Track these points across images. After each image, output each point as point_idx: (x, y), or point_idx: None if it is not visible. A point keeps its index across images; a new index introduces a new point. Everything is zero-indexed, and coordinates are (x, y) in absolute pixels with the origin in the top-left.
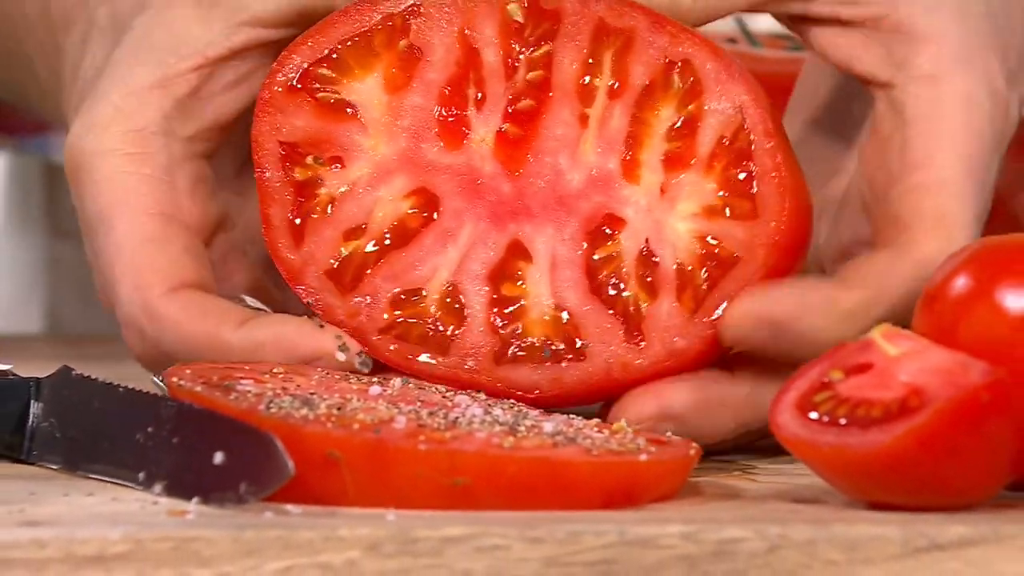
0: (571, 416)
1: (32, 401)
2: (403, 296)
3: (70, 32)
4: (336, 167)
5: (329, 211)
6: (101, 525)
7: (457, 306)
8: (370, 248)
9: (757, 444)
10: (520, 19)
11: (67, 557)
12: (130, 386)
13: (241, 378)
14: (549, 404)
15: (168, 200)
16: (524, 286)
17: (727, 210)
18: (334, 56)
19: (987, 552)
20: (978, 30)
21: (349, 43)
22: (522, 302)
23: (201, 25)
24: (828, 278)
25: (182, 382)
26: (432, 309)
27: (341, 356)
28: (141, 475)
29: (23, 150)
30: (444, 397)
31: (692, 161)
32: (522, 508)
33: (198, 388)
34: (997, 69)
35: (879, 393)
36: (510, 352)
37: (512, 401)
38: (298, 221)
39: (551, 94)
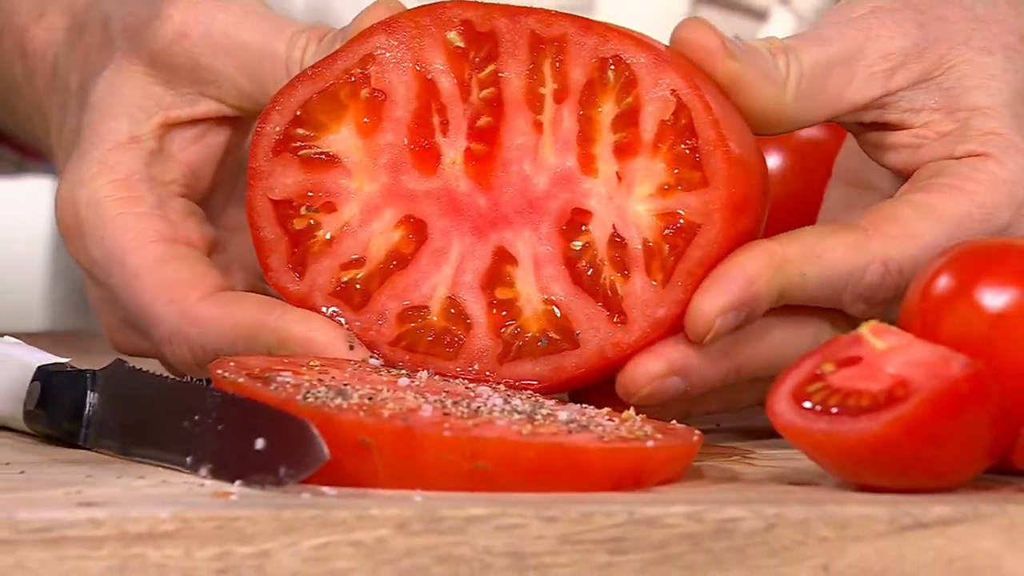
0: (584, 406)
1: (88, 392)
2: (409, 312)
3: (52, 99)
4: (329, 212)
5: (328, 247)
6: (152, 505)
7: (459, 315)
8: (371, 274)
9: (755, 429)
10: (462, 44)
11: (121, 535)
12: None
13: (280, 370)
14: (553, 391)
15: (166, 228)
16: (515, 287)
17: (679, 184)
18: (305, 116)
19: (967, 530)
20: (1019, 127)
21: (316, 102)
22: (516, 303)
23: (163, 88)
24: (763, 241)
25: (226, 374)
26: (436, 321)
27: (376, 363)
28: (188, 459)
29: (52, 175)
30: (467, 388)
31: (640, 147)
32: (538, 490)
33: (241, 379)
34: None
35: (868, 384)
36: (512, 350)
37: (529, 392)
38: (297, 261)
39: (505, 108)
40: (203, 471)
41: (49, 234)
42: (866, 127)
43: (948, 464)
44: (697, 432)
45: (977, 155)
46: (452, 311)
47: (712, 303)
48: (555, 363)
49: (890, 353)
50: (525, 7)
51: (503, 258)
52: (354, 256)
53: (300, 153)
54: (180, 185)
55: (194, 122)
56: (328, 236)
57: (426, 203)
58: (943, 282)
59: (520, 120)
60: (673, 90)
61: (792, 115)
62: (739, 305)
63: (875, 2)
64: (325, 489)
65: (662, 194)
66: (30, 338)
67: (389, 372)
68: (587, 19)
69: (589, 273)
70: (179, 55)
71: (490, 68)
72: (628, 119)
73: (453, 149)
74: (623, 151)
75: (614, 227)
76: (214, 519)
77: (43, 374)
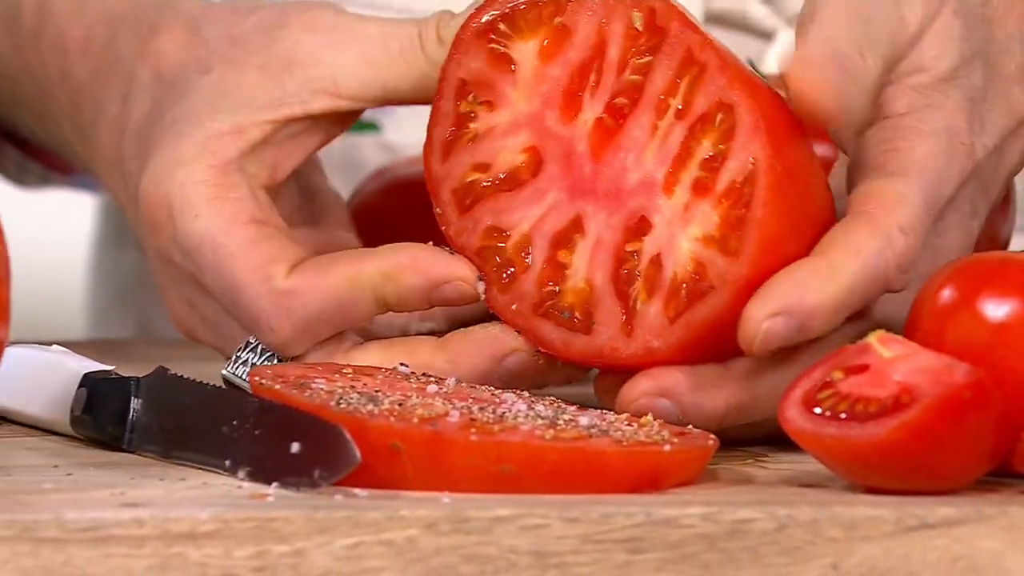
0: (604, 411)
1: (132, 397)
2: (494, 232)
3: (109, 87)
4: (487, 109)
5: (471, 143)
6: (192, 506)
7: (524, 255)
8: (486, 183)
9: (768, 436)
10: (640, 28)
11: (162, 534)
12: (218, 385)
13: (315, 378)
14: (552, 358)
15: (258, 212)
16: (573, 256)
17: (719, 243)
18: (511, 14)
19: (970, 530)
20: (958, 83)
21: (525, 7)
22: (567, 270)
23: (273, 84)
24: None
25: (263, 381)
26: (508, 250)
27: (481, 287)
28: (227, 462)
29: (75, 188)
30: (493, 395)
31: (710, 192)
32: (561, 492)
33: (277, 386)
34: (963, 118)
35: (875, 391)
36: (544, 307)
37: (552, 398)
38: (448, 144)
39: (641, 99)
40: (241, 474)
41: (91, 246)
42: None
43: (952, 467)
44: (712, 436)
45: (900, 115)
46: (522, 250)
47: (760, 309)
48: (568, 338)
49: (896, 361)
50: (696, 25)
51: (576, 226)
52: (485, 160)
53: (492, 45)
54: (264, 178)
55: (307, 118)
56: (475, 132)
57: (552, 144)
58: (947, 294)
59: (645, 117)
60: (754, 159)
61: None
62: (785, 310)
63: None
64: (357, 491)
65: (705, 243)
66: (76, 346)
67: (418, 379)
68: (729, 60)
69: (626, 277)
70: (299, 54)
71: (647, 59)
72: (715, 163)
73: (591, 110)
74: (699, 188)
75: (661, 250)
76: (252, 519)
77: (89, 381)
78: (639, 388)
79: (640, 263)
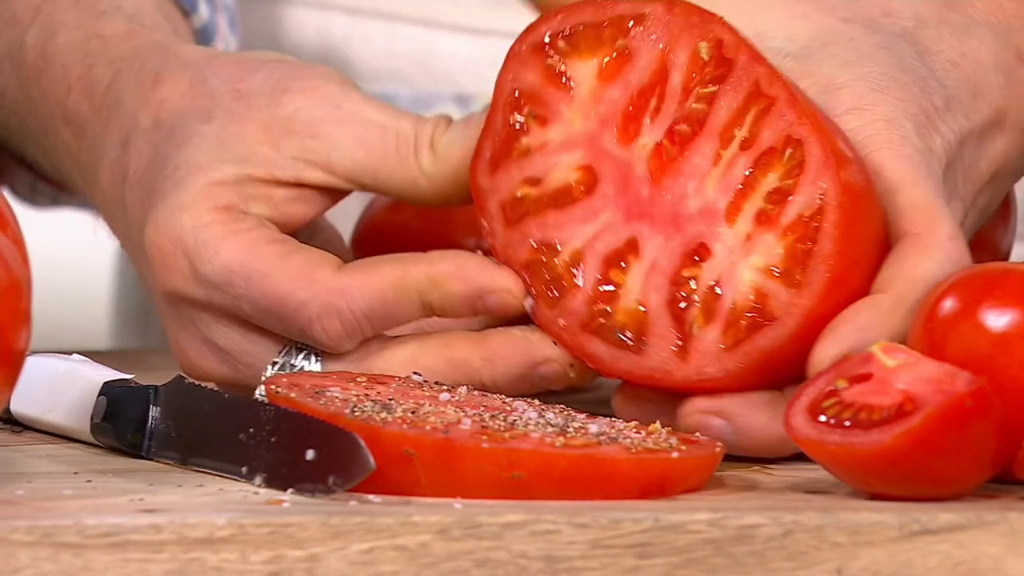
0: (613, 419)
1: (151, 406)
2: (543, 247)
3: (109, 129)
4: (540, 125)
5: (523, 157)
6: (209, 512)
7: (574, 272)
8: (539, 198)
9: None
10: (706, 57)
11: (180, 539)
12: (235, 393)
13: (329, 386)
14: (601, 376)
15: (275, 235)
16: (626, 277)
17: (782, 275)
18: (573, 33)
19: (972, 535)
20: (887, 74)
21: (588, 28)
22: (619, 290)
23: (270, 149)
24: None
25: (279, 389)
26: (558, 266)
27: (528, 302)
28: (244, 469)
29: (84, 208)
30: (504, 403)
31: (775, 224)
32: (571, 498)
33: (292, 394)
34: (912, 100)
35: (879, 399)
36: (594, 324)
37: (562, 406)
38: (497, 157)
39: (704, 128)
40: (257, 480)
41: (112, 259)
42: None
43: (953, 474)
44: (719, 444)
45: (853, 109)
46: (573, 267)
47: (827, 351)
48: (617, 356)
49: (899, 370)
50: (765, 59)
51: (631, 247)
52: (535, 175)
53: (549, 61)
54: (272, 222)
55: (299, 186)
56: (527, 147)
57: (608, 164)
58: (948, 304)
59: (708, 145)
60: (823, 194)
61: None
62: (851, 351)
63: None
64: (371, 497)
65: (767, 274)
66: (96, 356)
67: (431, 388)
68: (799, 95)
69: (682, 303)
70: (301, 124)
71: (712, 88)
72: (781, 196)
73: (650, 134)
74: (763, 219)
75: (720, 277)
76: (268, 525)
77: (109, 389)
78: (697, 406)
79: (698, 289)
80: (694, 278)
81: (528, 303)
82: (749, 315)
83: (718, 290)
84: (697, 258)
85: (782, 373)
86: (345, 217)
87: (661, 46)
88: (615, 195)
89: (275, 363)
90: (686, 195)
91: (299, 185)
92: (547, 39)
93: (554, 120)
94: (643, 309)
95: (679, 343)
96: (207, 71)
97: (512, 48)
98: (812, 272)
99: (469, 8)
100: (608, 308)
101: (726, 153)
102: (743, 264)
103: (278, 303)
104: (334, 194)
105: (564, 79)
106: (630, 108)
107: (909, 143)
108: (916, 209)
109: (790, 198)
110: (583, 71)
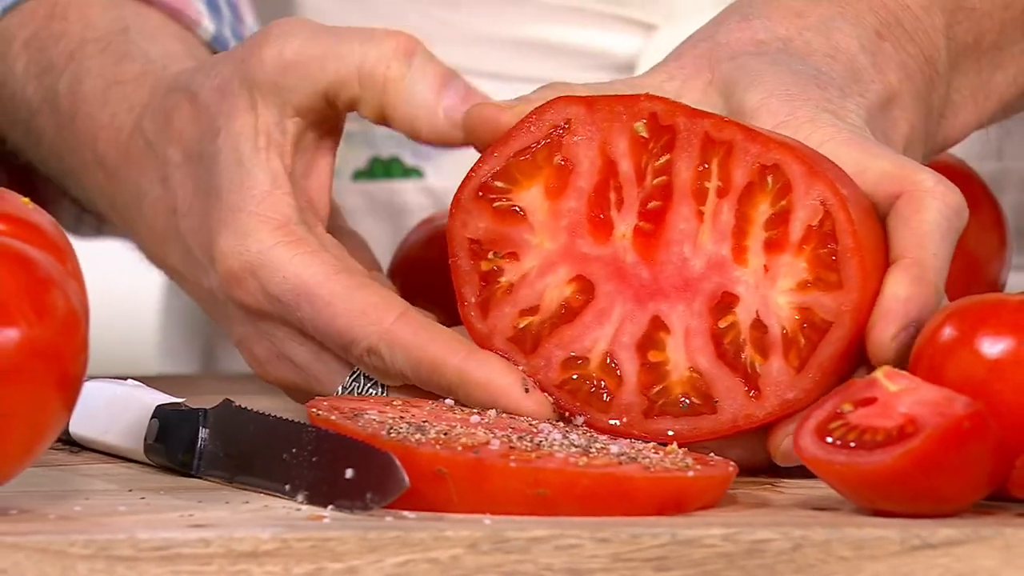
0: (632, 441)
1: (200, 427)
2: (572, 361)
3: (144, 171)
4: (512, 260)
5: (508, 294)
6: (255, 527)
7: (614, 371)
8: (543, 322)
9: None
10: (645, 135)
11: (227, 552)
12: (278, 416)
13: (367, 409)
14: (687, 446)
15: (338, 262)
16: (666, 353)
17: (818, 284)
18: (507, 170)
19: (970, 550)
20: (782, 81)
21: (517, 160)
22: (665, 367)
23: (265, 113)
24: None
25: (320, 412)
26: (594, 372)
27: (580, 419)
28: (287, 487)
29: (127, 240)
30: (530, 425)
31: (787, 245)
32: (593, 514)
33: (333, 417)
34: (815, 91)
35: (882, 421)
36: (656, 408)
37: (585, 428)
38: (483, 301)
39: (673, 195)
40: (300, 497)
41: (162, 287)
42: None
43: (952, 492)
44: (732, 464)
45: (756, 108)
46: (610, 365)
47: (886, 333)
48: (693, 424)
49: (901, 395)
50: (704, 111)
51: (658, 326)
52: (531, 304)
53: (495, 204)
54: (318, 219)
55: (297, 144)
56: (509, 283)
57: (596, 266)
58: (946, 332)
59: (685, 208)
60: (822, 200)
61: None
62: (906, 325)
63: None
64: (406, 513)
65: (802, 290)
66: (149, 381)
67: (462, 411)
68: (753, 128)
69: (732, 350)
70: (265, 84)
71: (665, 157)
72: (780, 219)
73: (624, 224)
74: (772, 246)
75: (757, 313)
76: (309, 539)
77: (161, 412)
78: (785, 430)
79: (741, 333)
80: (733, 324)
81: (579, 420)
82: (804, 330)
83: (764, 326)
84: (727, 305)
85: (850, 370)
86: (381, 250)
87: (598, 144)
88: (617, 290)
89: (344, 388)
90: (686, 258)
91: (296, 143)
92: (484, 184)
93: (524, 252)
94: (697, 374)
95: (747, 387)
96: (196, 86)
97: (455, 198)
98: (845, 268)
99: (498, 56)
100: (662, 387)
101: (706, 208)
102: (774, 292)
103: (336, 334)
104: (327, 140)
105: (515, 212)
106: (592, 211)
107: (840, 129)
108: (890, 174)
109: (791, 216)
110: (531, 198)
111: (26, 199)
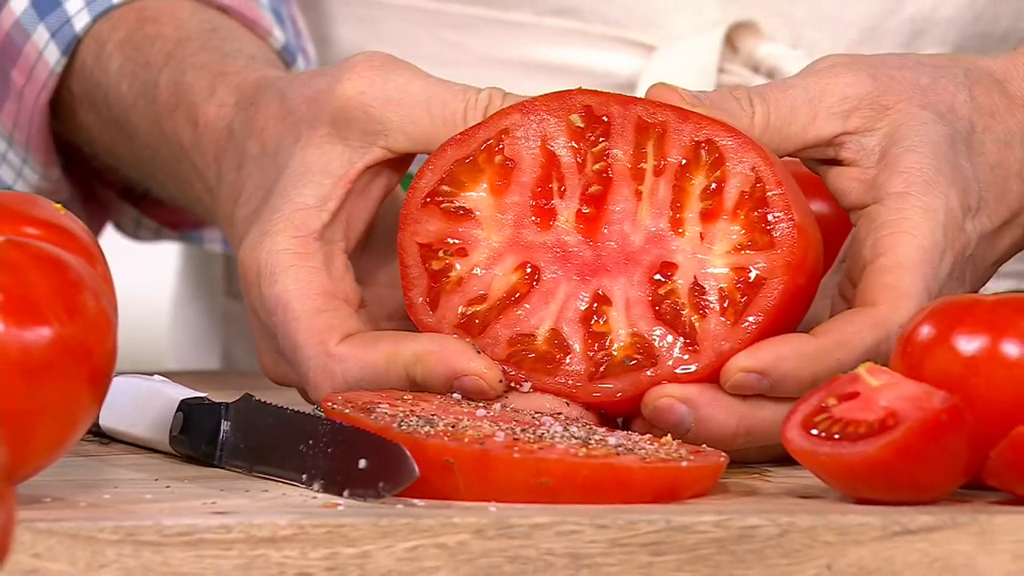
0: (630, 432)
1: (222, 420)
2: (519, 338)
3: (225, 159)
4: (461, 256)
5: (458, 286)
6: (273, 514)
7: (560, 343)
8: (490, 309)
9: (770, 454)
10: (581, 125)
11: (247, 538)
12: (295, 409)
13: (379, 403)
14: (629, 405)
15: (328, 284)
16: (608, 324)
17: (751, 245)
18: (451, 175)
19: (947, 535)
20: (942, 168)
21: (460, 164)
22: (609, 335)
23: (343, 143)
24: (802, 334)
25: (335, 406)
26: (541, 347)
27: (527, 386)
28: (303, 476)
29: (184, 241)
30: (533, 418)
31: (722, 213)
32: (592, 502)
33: (347, 410)
34: (955, 197)
35: (864, 415)
36: (600, 371)
37: (585, 421)
38: (432, 297)
39: (612, 179)
40: (316, 486)
41: (187, 288)
42: (826, 163)
43: (931, 481)
44: (723, 454)
45: (899, 193)
46: (555, 340)
47: (740, 361)
48: (634, 379)
49: (882, 389)
50: (636, 97)
51: (600, 300)
52: (479, 294)
53: (443, 206)
54: (342, 241)
55: (367, 169)
56: (459, 277)
57: (541, 252)
58: (925, 331)
59: (624, 189)
60: (753, 167)
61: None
62: (761, 371)
63: (834, 59)
64: (416, 501)
65: (737, 252)
66: (174, 376)
67: (469, 405)
68: (684, 111)
69: (671, 313)
70: (355, 110)
71: (602, 144)
72: (715, 191)
73: (567, 210)
74: (707, 216)
75: (695, 278)
76: (324, 526)
77: (185, 406)
78: (666, 390)
79: (680, 297)
80: (672, 291)
81: (527, 386)
82: (740, 288)
83: (702, 288)
84: (667, 274)
85: (794, 323)
86: None
87: (536, 142)
88: (561, 271)
89: None
90: (625, 235)
91: (365, 169)
92: (432, 191)
93: (472, 246)
94: (639, 337)
95: (687, 341)
96: (288, 89)
97: (403, 212)
98: (777, 227)
99: (507, 77)
100: (605, 352)
101: (644, 187)
102: (710, 257)
103: (292, 348)
104: (395, 168)
105: (463, 211)
106: (537, 201)
107: (931, 238)
108: (895, 290)
109: (725, 185)
110: (476, 198)
111: (58, 205)
